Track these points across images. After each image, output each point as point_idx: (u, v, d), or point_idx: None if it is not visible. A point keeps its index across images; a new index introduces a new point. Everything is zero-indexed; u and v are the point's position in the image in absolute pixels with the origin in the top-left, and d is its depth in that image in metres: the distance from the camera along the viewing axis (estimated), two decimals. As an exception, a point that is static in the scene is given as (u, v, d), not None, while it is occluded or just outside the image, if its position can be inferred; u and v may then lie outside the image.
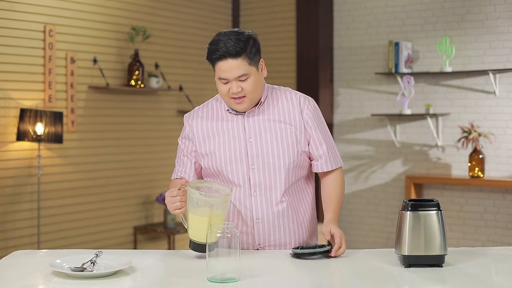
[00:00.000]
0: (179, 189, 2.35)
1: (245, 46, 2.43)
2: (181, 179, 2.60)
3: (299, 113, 2.55)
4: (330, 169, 2.58)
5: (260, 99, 2.54)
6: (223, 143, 2.53)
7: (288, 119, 2.54)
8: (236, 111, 2.55)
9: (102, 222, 5.48)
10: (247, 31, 2.48)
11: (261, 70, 2.52)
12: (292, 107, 2.55)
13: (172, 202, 2.36)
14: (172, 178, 2.68)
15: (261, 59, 2.52)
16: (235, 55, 2.41)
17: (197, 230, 2.29)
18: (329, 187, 2.59)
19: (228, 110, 2.56)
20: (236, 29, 2.49)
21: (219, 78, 2.46)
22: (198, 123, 2.60)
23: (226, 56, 2.41)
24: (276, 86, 2.64)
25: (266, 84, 2.60)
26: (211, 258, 2.06)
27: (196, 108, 2.66)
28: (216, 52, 2.43)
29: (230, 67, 2.42)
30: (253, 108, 2.54)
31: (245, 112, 2.54)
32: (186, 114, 2.66)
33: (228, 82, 2.45)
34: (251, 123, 2.53)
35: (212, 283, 2.03)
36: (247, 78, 2.45)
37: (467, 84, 5.57)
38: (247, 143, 2.51)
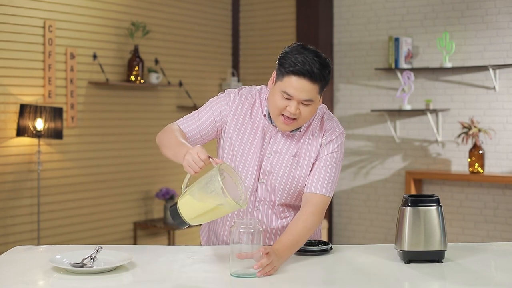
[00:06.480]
0: (209, 157, 2.14)
1: (327, 76, 2.31)
2: (187, 134, 2.45)
3: (320, 149, 2.44)
4: (311, 191, 2.41)
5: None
6: (243, 147, 2.45)
7: (309, 151, 2.44)
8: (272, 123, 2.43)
9: (102, 217, 5.48)
10: (324, 55, 2.32)
11: (321, 97, 2.38)
12: (318, 141, 2.44)
13: (194, 162, 2.13)
14: (179, 125, 2.47)
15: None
16: (314, 80, 2.26)
17: (188, 206, 2.14)
18: (296, 219, 2.36)
19: (265, 115, 2.45)
20: (314, 49, 2.32)
21: (283, 92, 2.29)
22: (235, 112, 2.47)
23: (305, 75, 2.25)
24: (327, 115, 2.50)
25: (323, 105, 2.49)
26: (235, 253, 2.06)
27: (240, 92, 2.51)
28: (298, 64, 2.25)
29: (302, 87, 2.26)
30: None
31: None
32: (231, 92, 2.49)
33: (290, 100, 2.29)
34: (277, 139, 2.44)
35: (233, 278, 2.04)
36: (309, 105, 2.31)
37: (467, 79, 5.57)
38: (265, 157, 2.44)
